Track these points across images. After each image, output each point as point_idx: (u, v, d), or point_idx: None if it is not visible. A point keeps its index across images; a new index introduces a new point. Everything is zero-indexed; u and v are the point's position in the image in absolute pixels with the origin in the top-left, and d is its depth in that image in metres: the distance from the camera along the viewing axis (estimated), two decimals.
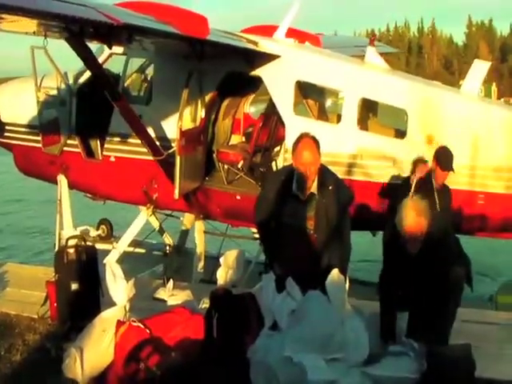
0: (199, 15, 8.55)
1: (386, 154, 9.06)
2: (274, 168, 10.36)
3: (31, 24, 7.05)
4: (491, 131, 8.89)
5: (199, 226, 10.35)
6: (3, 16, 6.30)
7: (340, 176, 6.95)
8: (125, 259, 9.68)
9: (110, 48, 8.58)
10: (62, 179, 10.47)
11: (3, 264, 10.17)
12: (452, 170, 7.81)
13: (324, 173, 6.28)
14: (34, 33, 7.68)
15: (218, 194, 9.78)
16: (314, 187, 6.21)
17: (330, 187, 6.24)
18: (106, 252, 9.93)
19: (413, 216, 6.18)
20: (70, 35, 7.48)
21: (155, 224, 11.34)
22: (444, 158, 7.83)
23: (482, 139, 8.85)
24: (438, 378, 5.61)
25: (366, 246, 8.76)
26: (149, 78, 10.64)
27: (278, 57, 9.40)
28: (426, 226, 6.19)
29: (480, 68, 9.44)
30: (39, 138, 10.63)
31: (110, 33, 7.55)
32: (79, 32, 7.34)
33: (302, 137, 6.25)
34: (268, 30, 10.13)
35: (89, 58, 8.34)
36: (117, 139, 10.09)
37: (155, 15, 7.86)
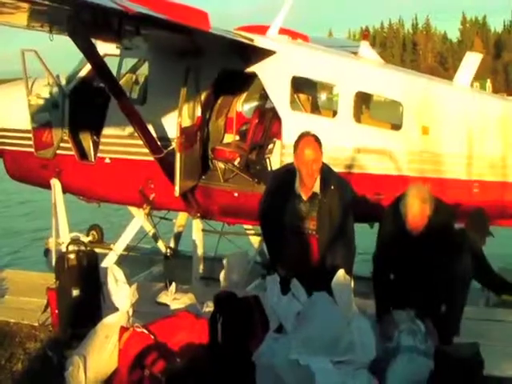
0: (201, 10, 8.50)
1: (383, 145, 9.10)
2: (270, 164, 10.38)
3: (37, 16, 7.01)
4: (484, 121, 9.03)
5: (197, 225, 10.27)
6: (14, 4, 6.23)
7: (338, 169, 6.98)
8: (120, 263, 9.59)
9: (120, 40, 8.51)
10: (56, 183, 10.40)
11: (1, 270, 10.07)
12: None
13: (326, 172, 6.21)
14: (41, 26, 7.66)
15: (215, 191, 9.76)
16: (316, 187, 6.14)
17: (333, 187, 6.17)
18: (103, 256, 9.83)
19: (418, 204, 6.15)
20: (78, 27, 7.42)
21: (148, 228, 11.24)
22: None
23: (475, 129, 8.97)
24: (446, 376, 5.55)
25: (364, 238, 8.70)
26: (144, 78, 10.57)
27: (273, 53, 9.40)
28: (429, 210, 6.17)
29: (472, 60, 9.51)
30: (31, 142, 10.53)
31: (120, 24, 7.53)
32: (90, 22, 7.26)
33: (303, 135, 6.18)
34: (259, 30, 10.09)
35: (93, 55, 8.30)
36: (111, 140, 10.03)
37: (157, 10, 7.79)
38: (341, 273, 5.70)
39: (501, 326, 7.68)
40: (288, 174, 6.30)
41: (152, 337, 5.89)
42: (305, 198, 6.18)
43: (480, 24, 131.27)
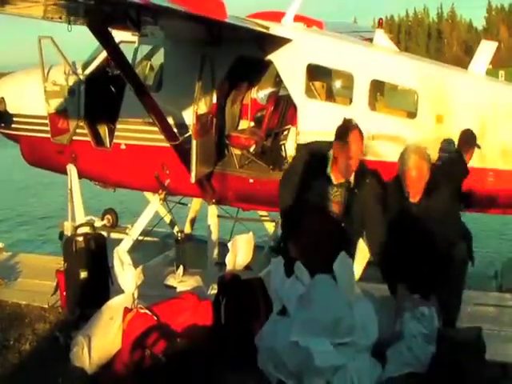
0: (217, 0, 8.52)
1: (397, 133, 9.08)
2: (285, 151, 10.42)
3: (58, 8, 7.08)
4: (499, 109, 8.95)
5: (212, 211, 10.32)
6: None
7: None
8: (135, 248, 9.67)
9: (137, 29, 8.57)
10: (72, 169, 10.48)
11: (14, 254, 10.21)
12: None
13: (361, 163, 6.30)
14: (60, 18, 7.69)
15: (230, 178, 9.79)
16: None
17: (368, 180, 6.27)
18: (116, 240, 9.92)
19: (415, 159, 6.22)
20: (98, 19, 7.50)
21: (163, 212, 11.30)
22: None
23: (490, 117, 8.90)
24: (447, 361, 5.52)
25: None
26: (159, 65, 10.61)
27: (289, 40, 9.39)
28: (427, 170, 6.25)
29: (487, 48, 9.45)
30: (48, 129, 10.63)
31: (138, 15, 7.62)
32: (109, 13, 7.33)
33: (351, 128, 6.21)
34: (274, 16, 10.07)
35: (110, 45, 8.38)
36: (127, 127, 10.08)
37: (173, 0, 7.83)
38: (342, 255, 5.71)
39: (507, 310, 7.65)
40: (320, 152, 6.37)
41: (155, 318, 5.93)
42: (335, 182, 6.27)
43: (506, 11, 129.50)
